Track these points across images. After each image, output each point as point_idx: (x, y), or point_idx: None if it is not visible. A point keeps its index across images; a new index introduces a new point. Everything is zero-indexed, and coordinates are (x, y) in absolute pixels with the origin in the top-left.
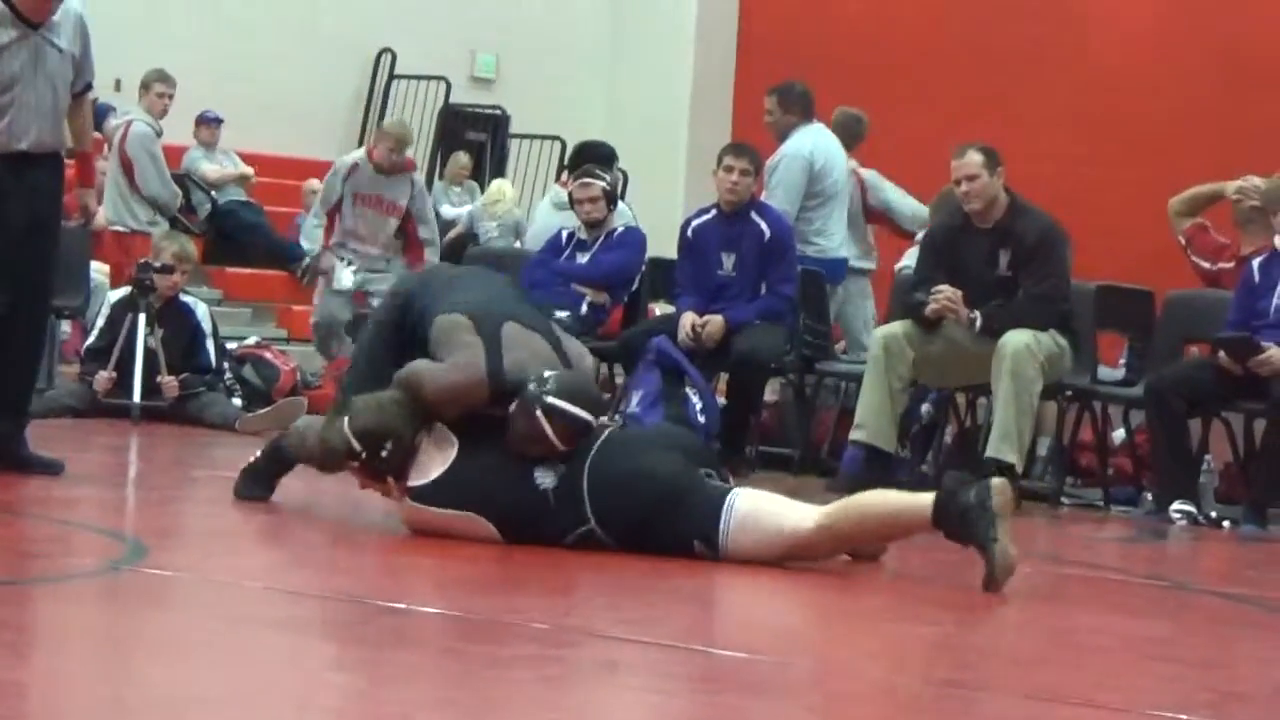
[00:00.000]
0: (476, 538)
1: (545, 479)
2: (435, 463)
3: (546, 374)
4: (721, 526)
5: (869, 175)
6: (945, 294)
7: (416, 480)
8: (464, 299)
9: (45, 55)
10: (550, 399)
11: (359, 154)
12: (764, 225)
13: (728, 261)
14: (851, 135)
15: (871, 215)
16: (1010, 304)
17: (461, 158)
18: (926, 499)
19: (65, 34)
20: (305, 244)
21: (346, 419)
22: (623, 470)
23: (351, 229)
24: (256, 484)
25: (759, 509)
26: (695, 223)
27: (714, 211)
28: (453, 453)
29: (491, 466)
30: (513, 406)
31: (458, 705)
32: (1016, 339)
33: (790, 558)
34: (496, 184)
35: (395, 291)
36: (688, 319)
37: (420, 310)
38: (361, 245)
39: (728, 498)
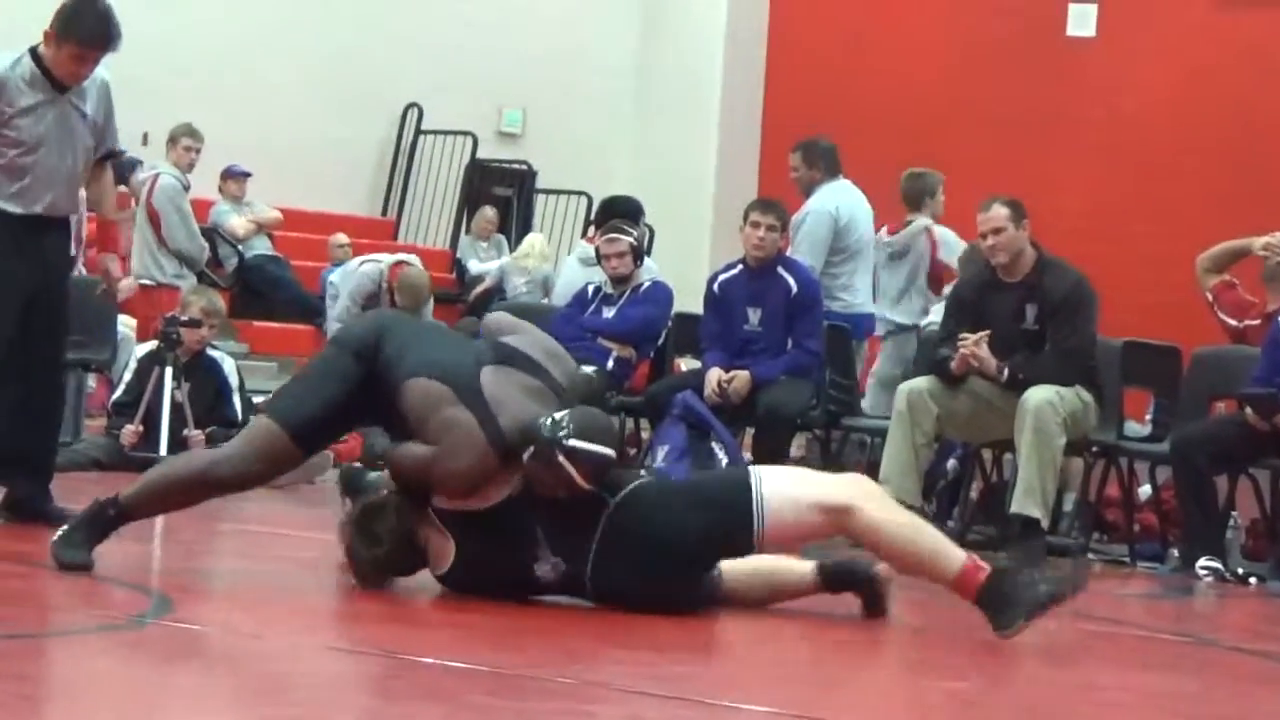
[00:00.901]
0: None
1: (544, 570)
2: (447, 551)
3: (557, 415)
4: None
5: (943, 233)
6: (969, 343)
7: (439, 569)
8: (431, 357)
9: (71, 120)
10: (569, 442)
11: (382, 273)
12: (791, 280)
13: (754, 316)
14: (918, 192)
15: (939, 273)
16: (1037, 357)
17: (488, 212)
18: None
19: (91, 99)
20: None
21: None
22: (634, 549)
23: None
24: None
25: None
26: (722, 278)
27: (740, 267)
28: (452, 545)
29: (488, 561)
30: (527, 456)
31: None
32: (1039, 395)
33: (823, 535)
34: (530, 238)
35: (368, 327)
36: (714, 375)
37: (388, 356)
38: None
39: (752, 487)
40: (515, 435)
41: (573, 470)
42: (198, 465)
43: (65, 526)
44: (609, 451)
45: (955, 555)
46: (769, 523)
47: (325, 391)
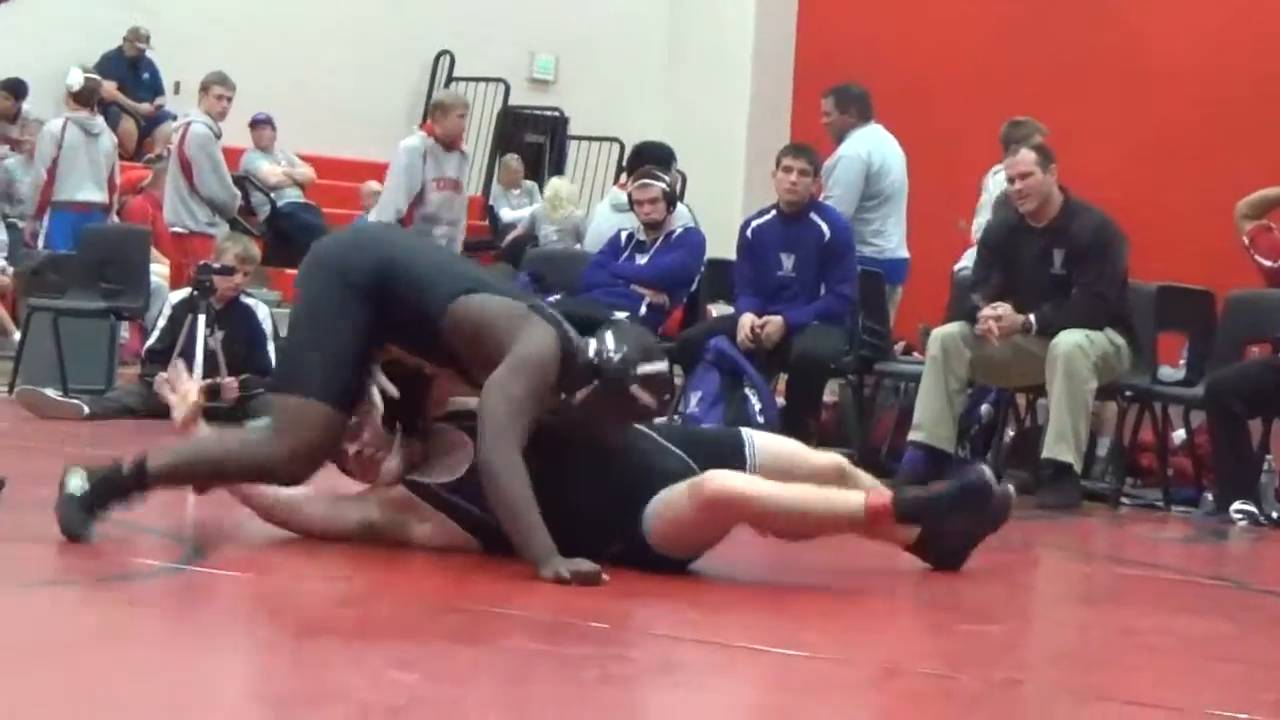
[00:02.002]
0: (441, 543)
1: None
2: (458, 459)
3: (608, 343)
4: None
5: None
6: (987, 317)
7: (440, 476)
8: (462, 271)
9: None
10: (641, 369)
11: (419, 138)
12: (824, 226)
13: (787, 262)
14: (1018, 140)
15: None
16: (1064, 304)
17: (511, 161)
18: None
19: None
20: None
21: None
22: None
23: (434, 215)
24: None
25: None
26: (755, 223)
27: (774, 212)
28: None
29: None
30: (587, 392)
31: (522, 704)
32: (1068, 339)
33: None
34: (553, 184)
35: (368, 259)
36: (747, 320)
37: (409, 285)
38: (448, 230)
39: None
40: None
41: (648, 397)
42: (246, 457)
43: (73, 486)
44: (666, 365)
45: (854, 497)
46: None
47: (350, 348)
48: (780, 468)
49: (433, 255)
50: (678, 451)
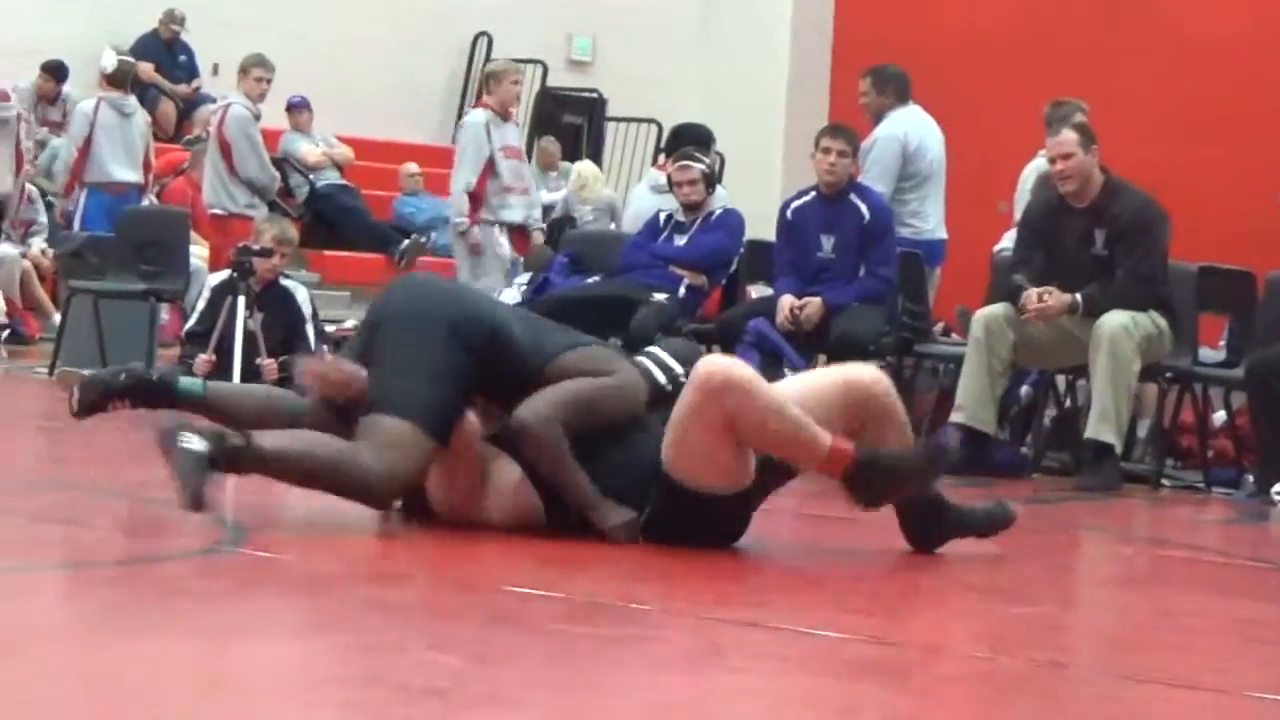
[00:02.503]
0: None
1: None
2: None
3: (673, 363)
4: None
5: None
6: (1032, 302)
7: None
8: (567, 339)
9: None
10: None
11: (480, 112)
12: (863, 207)
13: (827, 243)
14: (1059, 120)
15: None
16: (1108, 285)
17: (548, 144)
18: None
19: None
20: (456, 218)
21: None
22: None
23: (509, 185)
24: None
25: None
26: (795, 204)
27: (813, 193)
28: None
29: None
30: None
31: (562, 686)
32: (1113, 320)
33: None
34: (576, 169)
35: (484, 321)
36: (786, 302)
37: (516, 348)
38: (523, 199)
39: None
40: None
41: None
42: (347, 472)
43: (194, 447)
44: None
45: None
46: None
47: (452, 389)
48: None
49: (535, 322)
50: None
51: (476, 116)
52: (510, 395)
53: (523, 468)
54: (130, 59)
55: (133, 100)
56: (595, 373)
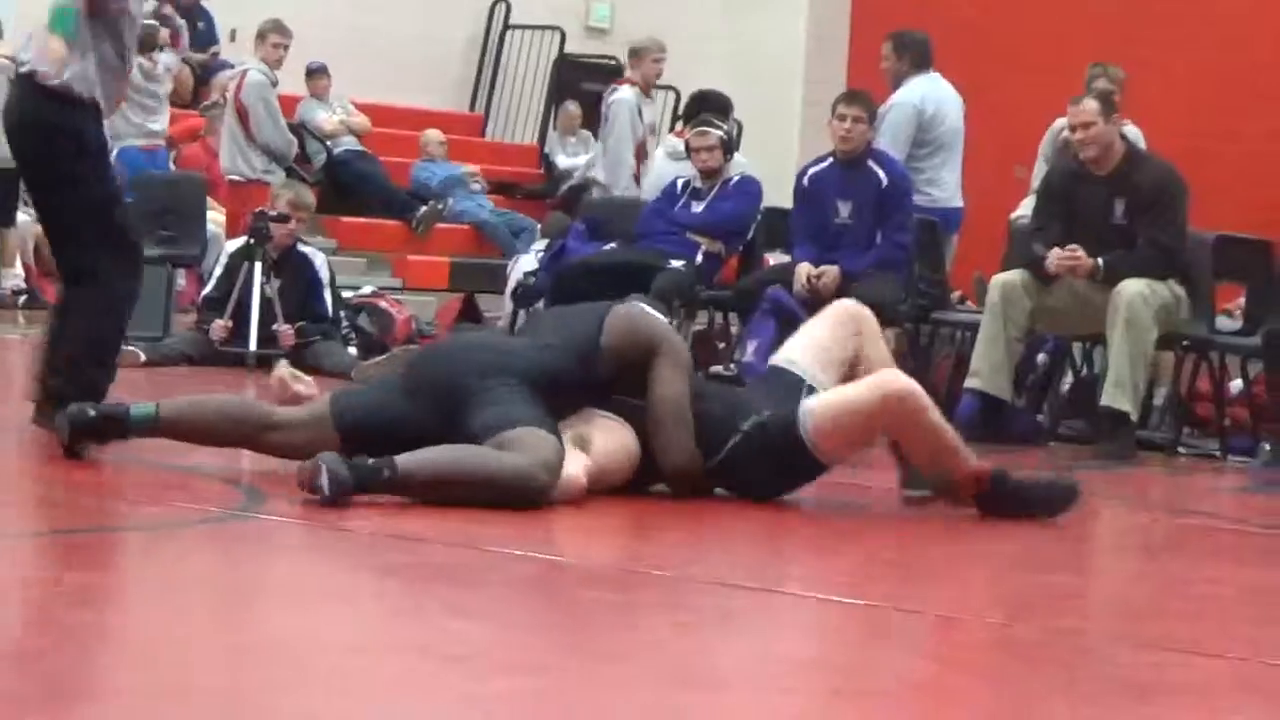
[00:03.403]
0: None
1: None
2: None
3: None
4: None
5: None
6: (1063, 257)
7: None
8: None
9: None
10: None
11: (628, 90)
12: (881, 173)
13: (844, 209)
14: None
15: None
16: (1130, 253)
17: (570, 108)
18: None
19: None
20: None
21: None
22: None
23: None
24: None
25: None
26: (812, 171)
27: (830, 160)
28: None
29: None
30: None
31: (583, 652)
32: (1131, 288)
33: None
34: None
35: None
36: (803, 270)
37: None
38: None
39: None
40: None
41: None
42: (496, 470)
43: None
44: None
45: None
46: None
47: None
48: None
49: (558, 328)
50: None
51: (625, 94)
52: (582, 400)
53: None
54: (154, 23)
55: (159, 67)
56: (643, 346)
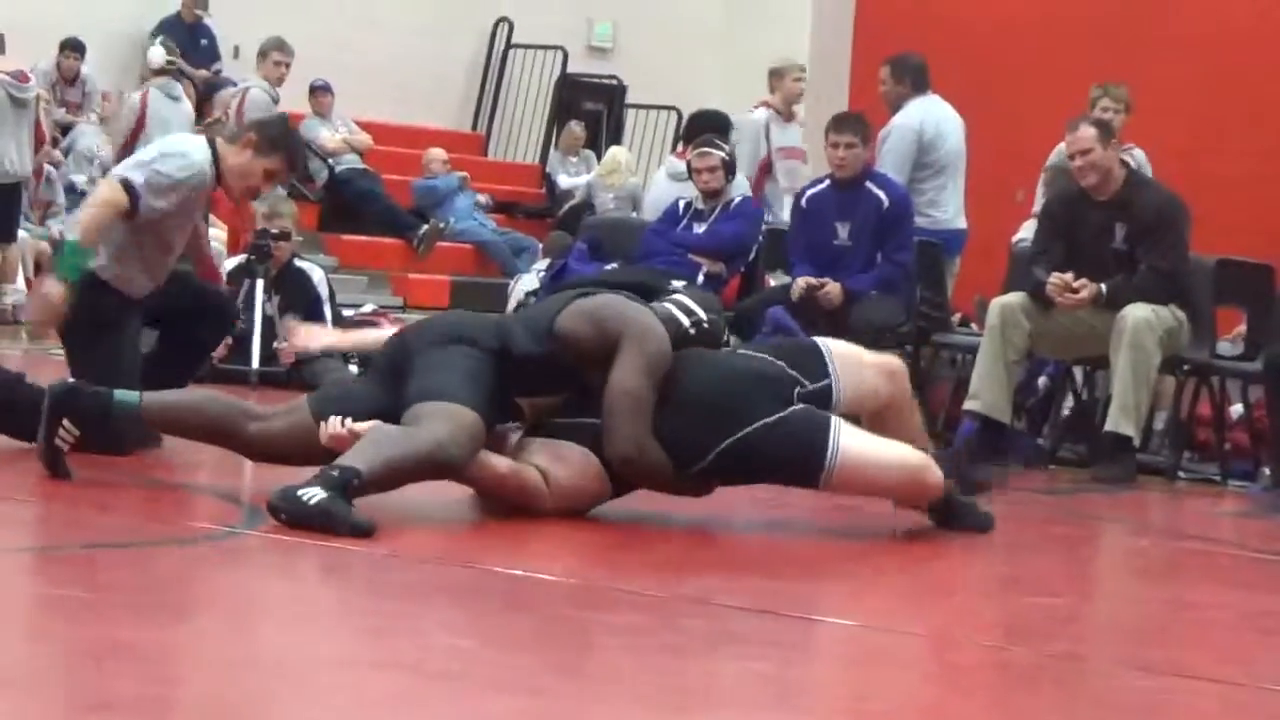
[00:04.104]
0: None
1: None
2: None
3: (684, 303)
4: (830, 446)
5: (1137, 155)
6: (1066, 294)
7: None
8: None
9: None
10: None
11: (760, 111)
12: (881, 194)
13: (842, 231)
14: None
15: None
16: (1132, 278)
17: (575, 128)
18: None
19: None
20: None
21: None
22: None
23: (786, 188)
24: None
25: (864, 436)
26: (810, 192)
27: (828, 181)
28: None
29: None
30: None
31: (576, 672)
32: (1136, 312)
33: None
34: (611, 153)
35: (485, 324)
36: (802, 280)
37: (522, 332)
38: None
39: (831, 423)
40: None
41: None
42: (424, 447)
43: (318, 495)
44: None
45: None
46: (839, 474)
47: (485, 386)
48: (850, 365)
49: (527, 312)
50: (763, 355)
51: (757, 115)
52: (539, 384)
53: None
54: (174, 45)
55: (180, 86)
56: (607, 333)
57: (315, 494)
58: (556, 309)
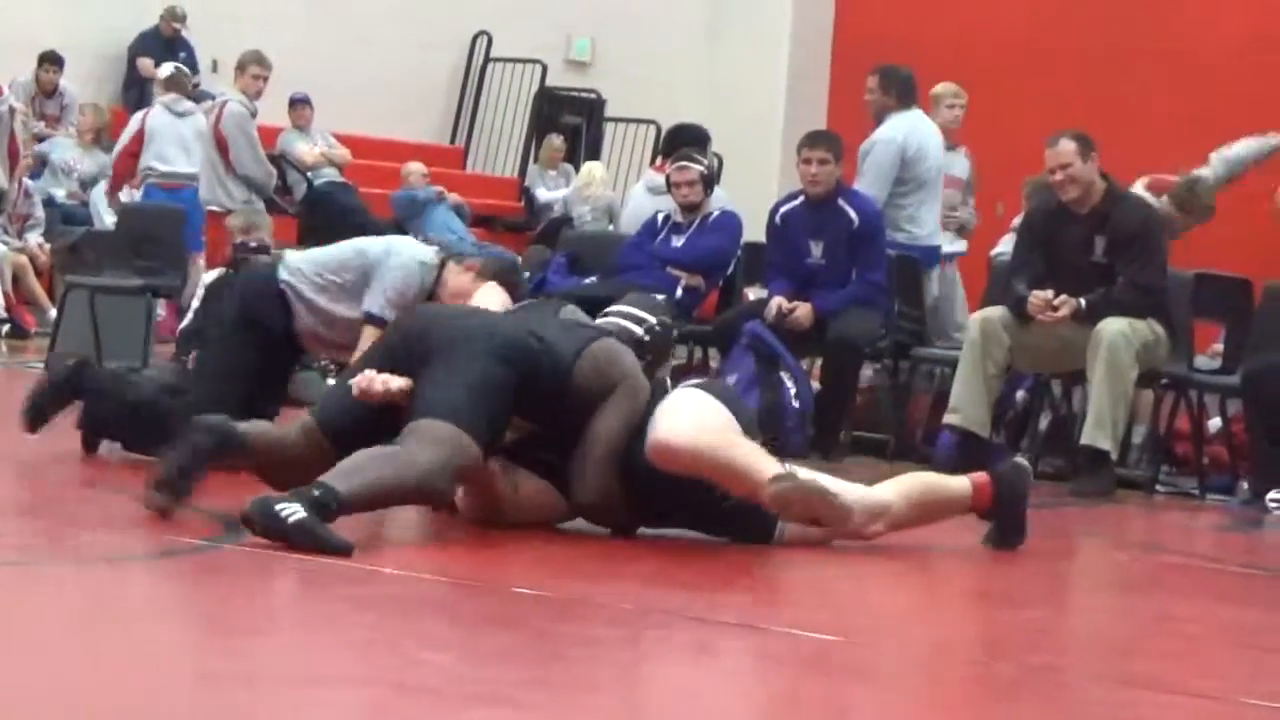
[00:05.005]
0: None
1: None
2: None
3: (642, 315)
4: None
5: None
6: (1045, 312)
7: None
8: (579, 334)
9: None
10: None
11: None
12: (852, 213)
13: (816, 249)
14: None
15: None
16: (1111, 292)
17: (555, 141)
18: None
19: None
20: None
21: None
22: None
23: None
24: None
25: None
26: (784, 209)
27: (801, 198)
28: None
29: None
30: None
31: (552, 685)
32: (1112, 326)
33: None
34: (586, 167)
35: (517, 333)
36: (776, 301)
37: (546, 349)
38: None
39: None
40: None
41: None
42: (411, 477)
43: (298, 513)
44: None
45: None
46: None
47: (496, 406)
48: None
49: (555, 326)
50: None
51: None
52: (541, 410)
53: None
54: (185, 69)
55: (188, 103)
56: (608, 382)
57: (294, 511)
58: (579, 344)
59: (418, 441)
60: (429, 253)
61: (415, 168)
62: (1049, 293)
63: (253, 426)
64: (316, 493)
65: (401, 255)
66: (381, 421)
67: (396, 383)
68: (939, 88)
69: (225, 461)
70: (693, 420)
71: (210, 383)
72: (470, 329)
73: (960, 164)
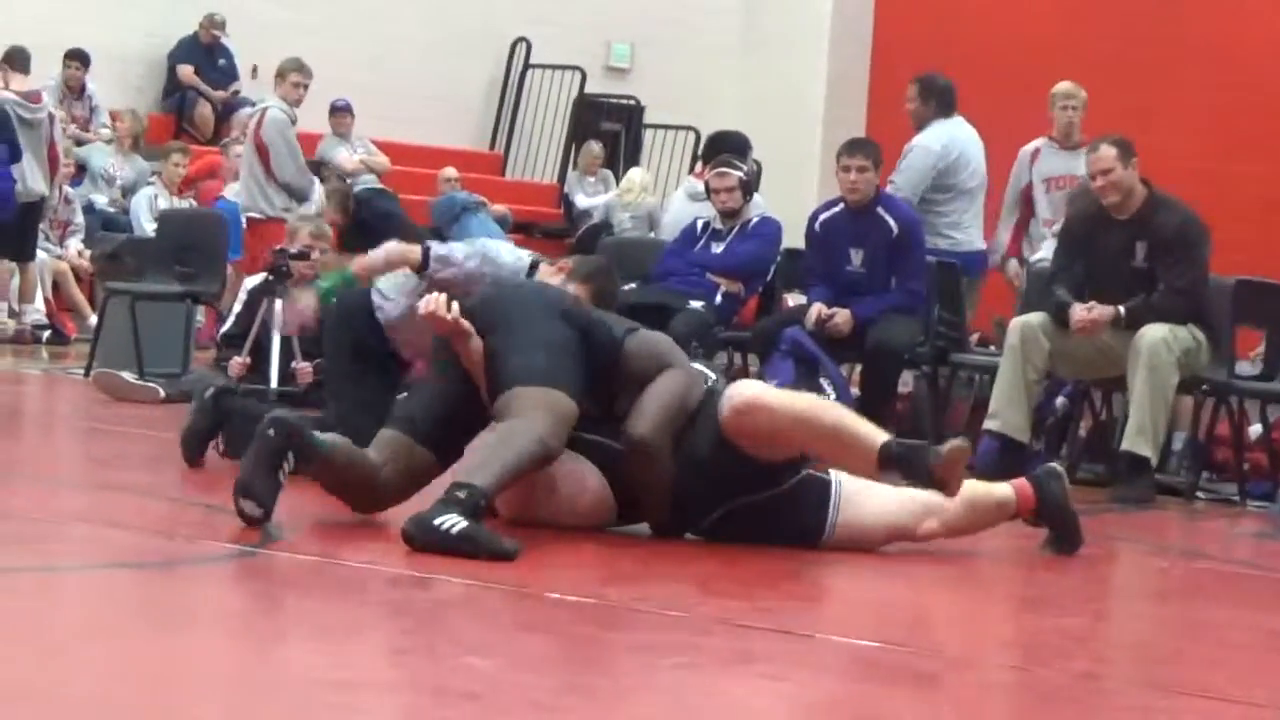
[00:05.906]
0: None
1: None
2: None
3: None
4: (830, 514)
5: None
6: (1084, 320)
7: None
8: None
9: None
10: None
11: (1036, 141)
12: (891, 221)
13: (856, 257)
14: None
15: None
16: (1151, 299)
17: (594, 148)
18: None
19: None
20: (993, 257)
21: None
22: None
23: (1049, 219)
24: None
25: (865, 491)
26: (823, 216)
27: (841, 205)
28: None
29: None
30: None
31: (595, 691)
32: (1153, 333)
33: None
34: (629, 174)
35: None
36: (815, 309)
37: (598, 319)
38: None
39: (831, 480)
40: None
41: None
42: (529, 447)
43: (460, 523)
44: None
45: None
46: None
47: (572, 362)
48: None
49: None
50: None
51: (1030, 145)
52: (594, 384)
53: (615, 471)
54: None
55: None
56: (660, 362)
57: (455, 522)
58: (626, 328)
59: (519, 413)
60: (522, 253)
61: (448, 172)
62: (1091, 305)
63: (336, 438)
64: (463, 494)
65: (498, 246)
66: (460, 405)
67: (455, 309)
68: (1056, 87)
69: (309, 468)
70: (774, 389)
71: (352, 415)
72: (525, 294)
73: (1069, 162)
